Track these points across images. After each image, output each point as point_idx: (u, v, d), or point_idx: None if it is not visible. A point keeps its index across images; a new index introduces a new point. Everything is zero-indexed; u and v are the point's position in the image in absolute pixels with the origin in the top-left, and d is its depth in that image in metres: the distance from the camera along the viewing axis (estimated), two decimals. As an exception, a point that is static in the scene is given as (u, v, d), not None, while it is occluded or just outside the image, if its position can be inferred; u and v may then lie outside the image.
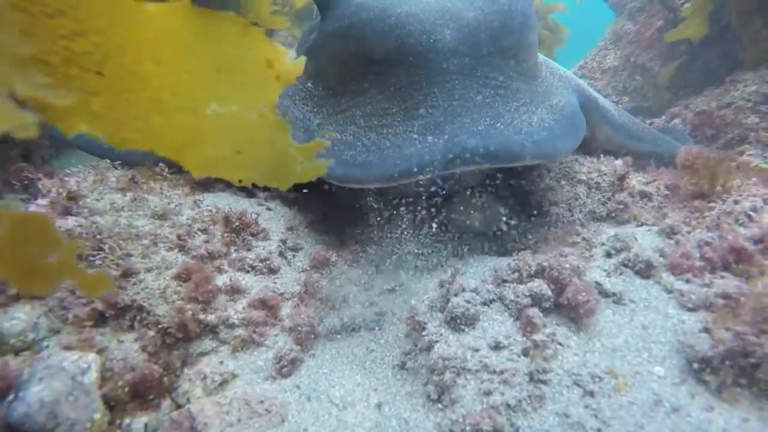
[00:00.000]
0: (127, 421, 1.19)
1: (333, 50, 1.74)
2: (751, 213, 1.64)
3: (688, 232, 1.66)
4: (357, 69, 1.65)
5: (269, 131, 1.03)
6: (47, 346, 1.21)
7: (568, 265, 1.44)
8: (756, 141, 2.67)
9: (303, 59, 1.01)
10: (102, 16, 0.81)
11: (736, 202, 1.70)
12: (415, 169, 1.45)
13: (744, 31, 2.99)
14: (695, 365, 1.22)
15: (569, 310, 1.39)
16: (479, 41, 1.52)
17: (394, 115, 1.54)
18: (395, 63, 1.54)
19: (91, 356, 1.20)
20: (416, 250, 1.88)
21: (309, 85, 1.85)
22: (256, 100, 0.99)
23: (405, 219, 1.88)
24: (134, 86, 0.89)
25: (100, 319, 1.31)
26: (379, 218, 1.85)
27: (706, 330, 1.26)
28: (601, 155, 2.16)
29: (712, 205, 1.75)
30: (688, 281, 1.47)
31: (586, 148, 2.20)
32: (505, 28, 1.55)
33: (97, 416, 1.13)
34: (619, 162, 2.06)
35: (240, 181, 1.08)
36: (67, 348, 1.21)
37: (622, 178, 2.01)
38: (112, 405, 1.20)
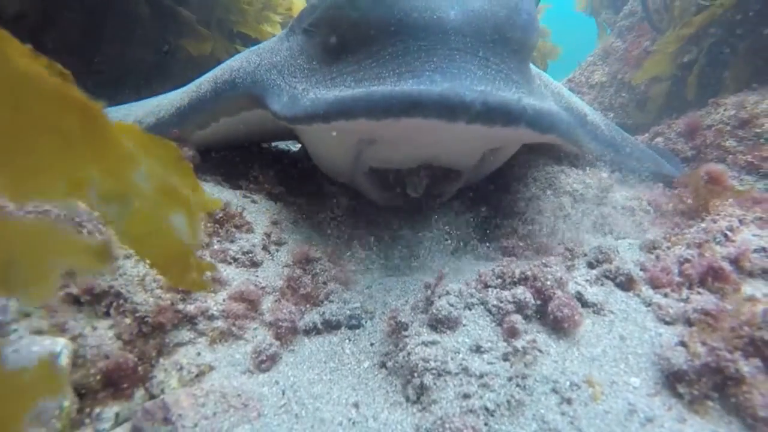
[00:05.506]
0: (97, 410, 1.15)
1: (331, 20, 1.67)
2: (728, 232, 1.69)
3: (668, 248, 1.70)
4: (353, 40, 1.58)
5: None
6: (16, 330, 1.16)
7: (551, 276, 1.46)
8: (733, 164, 2.75)
9: None
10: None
11: (713, 221, 1.75)
12: (407, 104, 1.35)
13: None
14: (670, 377, 1.25)
15: (553, 321, 1.40)
16: (484, 26, 1.49)
17: (387, 78, 1.45)
18: (394, 35, 1.48)
19: (63, 342, 1.16)
20: (400, 252, 1.88)
21: (300, 61, 1.79)
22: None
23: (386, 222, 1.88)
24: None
25: (74, 304, 1.27)
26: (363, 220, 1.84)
27: (682, 344, 1.29)
28: (587, 168, 2.20)
29: (692, 222, 1.80)
30: (666, 296, 1.51)
31: (575, 160, 2.23)
32: (510, 21, 1.53)
33: (66, 403, 1.09)
34: (604, 175, 2.10)
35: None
36: (38, 332, 1.17)
37: (606, 191, 2.05)
38: (82, 393, 1.16)
